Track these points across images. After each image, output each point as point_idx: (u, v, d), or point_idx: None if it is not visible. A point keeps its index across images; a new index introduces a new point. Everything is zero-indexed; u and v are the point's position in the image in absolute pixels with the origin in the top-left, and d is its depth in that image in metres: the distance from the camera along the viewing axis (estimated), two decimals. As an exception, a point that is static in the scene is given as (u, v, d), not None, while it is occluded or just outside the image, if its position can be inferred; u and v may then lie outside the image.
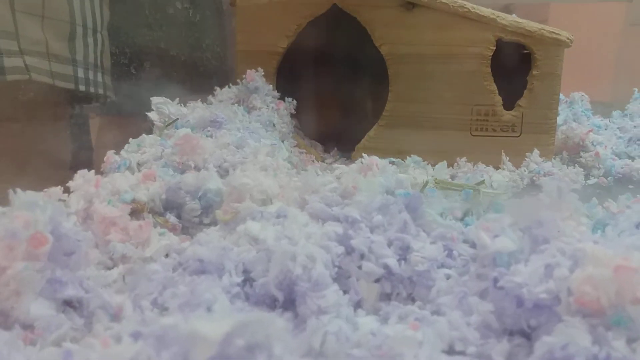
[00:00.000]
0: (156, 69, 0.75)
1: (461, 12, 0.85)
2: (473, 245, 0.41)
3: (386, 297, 0.39)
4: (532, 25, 0.85)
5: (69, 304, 0.37)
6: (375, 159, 0.52)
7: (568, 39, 0.85)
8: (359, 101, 1.08)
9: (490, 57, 0.86)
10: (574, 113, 1.07)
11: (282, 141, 0.81)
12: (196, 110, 0.68)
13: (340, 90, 1.06)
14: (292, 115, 0.91)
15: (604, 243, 0.34)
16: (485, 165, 0.84)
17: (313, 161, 0.87)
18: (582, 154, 0.93)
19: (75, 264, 0.36)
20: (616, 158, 0.92)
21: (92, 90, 0.73)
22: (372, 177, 0.48)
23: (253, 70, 0.87)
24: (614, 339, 0.27)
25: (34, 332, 0.32)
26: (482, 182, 0.49)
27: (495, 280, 0.33)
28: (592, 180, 0.85)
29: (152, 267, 0.40)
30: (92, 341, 0.27)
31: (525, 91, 0.87)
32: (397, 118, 0.90)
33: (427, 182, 0.49)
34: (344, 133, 0.98)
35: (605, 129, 1.05)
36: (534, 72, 0.86)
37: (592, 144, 0.94)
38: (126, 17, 0.71)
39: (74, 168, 0.47)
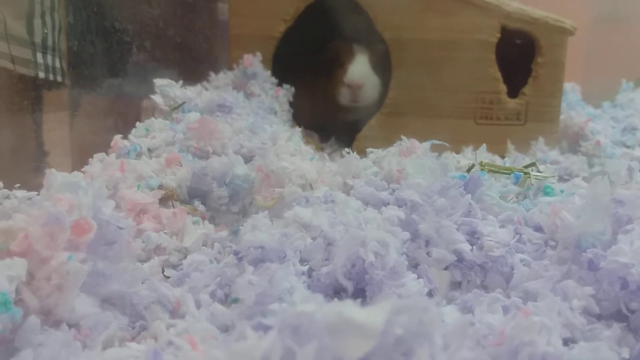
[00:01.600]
0: (144, 53, 0.69)
1: (467, -2, 0.83)
2: (538, 229, 0.39)
3: (456, 285, 0.36)
4: (537, 13, 0.84)
5: (108, 301, 0.32)
6: (415, 141, 0.49)
7: (572, 26, 0.85)
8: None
9: (495, 44, 0.85)
10: (568, 103, 1.08)
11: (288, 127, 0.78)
12: (203, 94, 0.63)
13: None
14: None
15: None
16: (491, 154, 0.83)
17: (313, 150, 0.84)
18: (581, 142, 0.93)
19: (116, 255, 0.32)
20: (615, 147, 0.93)
21: (50, 77, 0.63)
22: (420, 160, 0.45)
23: (251, 55, 0.83)
24: None
25: (81, 332, 0.28)
26: (533, 163, 0.47)
27: (591, 262, 0.31)
28: (597, 168, 0.85)
29: (196, 257, 0.36)
30: (175, 341, 0.23)
31: (529, 79, 0.86)
32: (400, 106, 0.87)
33: (472, 165, 0.47)
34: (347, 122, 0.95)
35: (600, 119, 1.06)
36: (539, 59, 0.85)
37: (592, 133, 0.94)
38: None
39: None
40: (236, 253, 0.34)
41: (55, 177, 0.30)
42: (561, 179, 0.74)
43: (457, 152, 0.83)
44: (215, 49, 0.90)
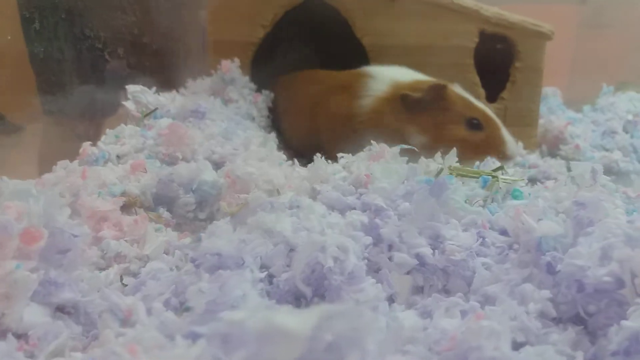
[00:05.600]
0: (121, 60, 0.68)
1: (445, 3, 0.83)
2: (503, 233, 0.39)
3: (418, 290, 0.36)
4: (515, 17, 0.85)
5: (61, 310, 0.31)
6: (385, 146, 0.49)
7: (550, 31, 0.85)
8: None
9: (473, 49, 0.85)
10: (549, 107, 1.08)
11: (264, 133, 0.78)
12: (176, 99, 0.63)
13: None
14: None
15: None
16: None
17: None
18: (561, 146, 0.93)
19: (70, 263, 0.31)
20: (595, 150, 0.93)
21: None
22: (387, 165, 0.45)
23: (229, 60, 0.83)
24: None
25: (29, 342, 0.27)
26: (500, 168, 0.47)
27: (549, 265, 0.31)
28: (575, 172, 0.85)
29: (155, 265, 0.36)
30: (114, 349, 0.22)
31: (507, 84, 0.86)
32: (380, 111, 0.87)
33: (441, 169, 0.47)
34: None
35: (580, 123, 1.07)
36: (517, 64, 0.86)
37: (571, 137, 0.95)
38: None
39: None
40: (193, 260, 0.33)
41: (6, 185, 0.29)
42: (540, 183, 0.75)
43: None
44: (196, 56, 0.90)
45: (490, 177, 0.46)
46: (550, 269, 0.31)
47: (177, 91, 0.73)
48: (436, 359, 0.25)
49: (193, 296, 0.28)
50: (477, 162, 0.51)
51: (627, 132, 1.01)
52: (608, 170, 0.88)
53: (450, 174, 0.47)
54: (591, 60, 1.79)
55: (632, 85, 1.45)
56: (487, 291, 0.32)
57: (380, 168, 0.44)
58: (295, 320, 0.17)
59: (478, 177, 0.46)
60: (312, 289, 0.32)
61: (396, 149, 0.49)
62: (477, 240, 0.37)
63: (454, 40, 0.85)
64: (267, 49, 0.88)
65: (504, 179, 0.46)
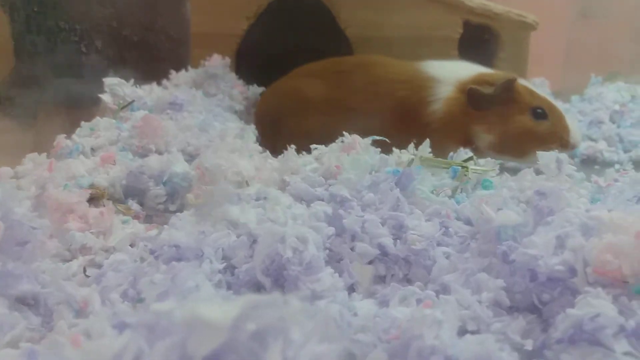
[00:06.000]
0: (105, 50, 0.68)
1: (428, -6, 0.83)
2: (468, 222, 0.39)
3: (380, 279, 0.36)
4: (499, 8, 0.85)
5: (22, 301, 0.32)
6: (357, 137, 0.49)
7: (534, 21, 0.85)
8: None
9: (457, 40, 0.85)
10: (535, 98, 1.08)
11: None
12: (154, 92, 0.63)
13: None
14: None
15: (620, 211, 0.33)
16: (454, 149, 0.83)
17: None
18: (546, 137, 0.93)
19: (29, 255, 0.31)
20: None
21: None
22: (356, 156, 0.45)
23: (219, 55, 0.83)
24: (639, 307, 0.25)
25: (-17, 334, 0.27)
26: (470, 158, 0.47)
27: (505, 254, 0.31)
28: (541, 162, 0.85)
29: (118, 257, 0.36)
30: (58, 339, 0.22)
31: (492, 74, 0.86)
32: (364, 103, 0.87)
33: (412, 159, 0.47)
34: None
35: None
36: (501, 54, 0.86)
37: (556, 128, 0.94)
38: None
39: None
40: (152, 252, 0.33)
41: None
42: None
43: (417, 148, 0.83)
44: (181, 48, 0.90)
45: (460, 167, 0.46)
46: (506, 258, 0.31)
47: (159, 84, 0.73)
48: (382, 348, 0.25)
49: (145, 288, 0.28)
50: (451, 153, 0.51)
51: (614, 122, 1.01)
52: (593, 160, 0.89)
53: (421, 164, 0.47)
54: (583, 51, 1.79)
55: (621, 76, 1.45)
56: (444, 280, 0.32)
57: (349, 159, 0.44)
58: (218, 311, 0.17)
59: (448, 168, 0.46)
60: (271, 280, 0.32)
61: (368, 140, 0.49)
62: (440, 229, 0.37)
63: (438, 31, 0.85)
64: (252, 41, 0.88)
65: (474, 169, 0.46)
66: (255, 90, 0.82)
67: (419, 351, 0.23)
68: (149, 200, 0.46)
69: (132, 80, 0.64)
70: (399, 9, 0.84)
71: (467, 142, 0.64)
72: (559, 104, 1.08)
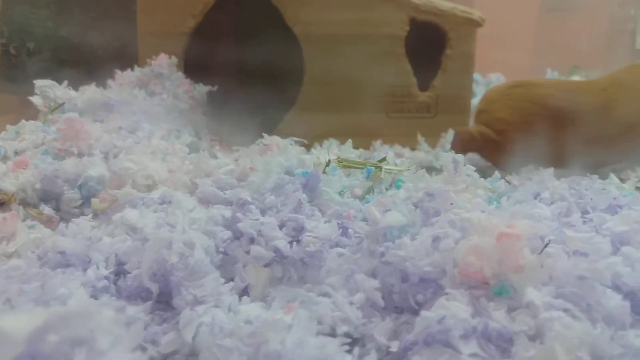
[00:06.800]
0: (39, 52, 0.68)
1: (374, -9, 0.83)
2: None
3: (278, 281, 0.36)
4: (445, 5, 0.85)
5: None
6: (276, 138, 0.49)
7: (480, 18, 0.86)
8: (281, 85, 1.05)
9: (404, 38, 0.85)
10: (490, 94, 1.09)
11: (190, 127, 0.77)
12: (86, 93, 0.62)
13: (260, 74, 1.02)
14: (208, 102, 0.87)
15: (493, 213, 0.33)
16: (402, 146, 0.83)
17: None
18: (496, 133, 0.94)
19: None
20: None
21: None
22: (271, 157, 0.45)
23: (166, 55, 0.82)
24: (494, 309, 0.26)
25: None
26: (384, 159, 0.47)
27: (382, 255, 0.31)
28: (441, 162, 0.86)
29: (14, 263, 0.35)
30: None
31: (439, 72, 0.87)
32: (313, 101, 0.87)
33: (329, 161, 0.47)
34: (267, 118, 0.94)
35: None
36: (447, 52, 0.86)
37: (506, 123, 0.95)
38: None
39: None
40: (40, 258, 0.33)
41: None
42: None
43: (368, 147, 0.84)
44: (130, 47, 0.89)
45: (374, 167, 0.46)
46: (383, 259, 0.31)
47: (98, 85, 0.73)
48: (239, 353, 0.25)
49: (15, 296, 0.28)
50: (375, 152, 0.51)
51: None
52: (541, 156, 0.90)
53: (339, 165, 0.47)
54: (551, 44, 1.80)
55: (582, 70, 1.47)
56: (328, 281, 0.32)
57: (262, 161, 0.44)
58: (17, 322, 0.17)
59: (363, 168, 0.47)
60: (158, 286, 0.33)
61: (288, 140, 0.49)
62: (338, 230, 0.37)
63: (385, 29, 0.85)
64: (199, 40, 0.87)
65: (388, 169, 0.46)
66: (201, 89, 0.82)
67: (266, 356, 0.23)
68: (64, 204, 0.46)
69: (65, 82, 0.63)
70: (346, 7, 0.84)
71: None
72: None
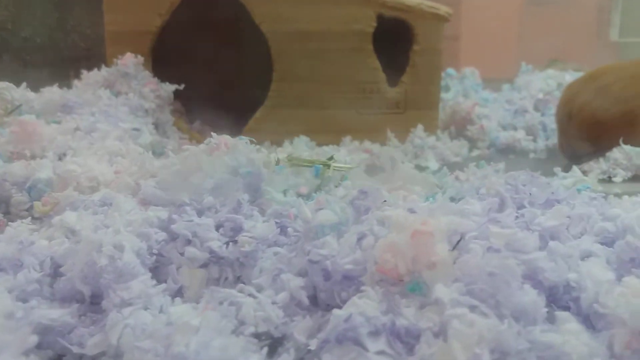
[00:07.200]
0: (6, 54, 0.67)
1: (340, -13, 0.83)
2: (312, 221, 0.39)
3: (215, 282, 0.36)
4: (412, 1, 0.85)
5: None
6: (226, 137, 0.49)
7: (447, 13, 0.86)
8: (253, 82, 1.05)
9: (372, 34, 0.85)
10: (464, 88, 1.09)
11: (156, 126, 0.77)
12: (44, 94, 0.62)
13: (232, 72, 1.02)
14: (181, 101, 0.87)
15: (422, 210, 0.33)
16: (372, 142, 0.83)
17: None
18: (468, 127, 0.95)
19: None
20: (502, 130, 0.94)
21: None
22: (216, 157, 0.45)
23: (132, 54, 0.82)
24: (406, 306, 0.26)
25: None
26: (332, 157, 0.47)
27: (308, 254, 0.31)
28: (475, 152, 0.87)
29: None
30: None
31: (407, 68, 0.87)
32: (282, 98, 0.87)
33: (278, 159, 0.47)
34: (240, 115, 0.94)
35: (495, 102, 1.08)
36: (415, 47, 0.86)
37: (478, 117, 0.96)
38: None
39: None
40: (-29, 264, 0.33)
41: None
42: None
43: (338, 143, 0.84)
44: (98, 47, 0.89)
45: (322, 166, 0.46)
46: (308, 258, 0.31)
47: (60, 86, 0.72)
48: (154, 354, 0.25)
49: None
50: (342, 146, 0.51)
51: (538, 111, 1.02)
52: (511, 149, 0.90)
53: (288, 164, 0.47)
54: (533, 38, 1.81)
55: (560, 63, 1.47)
56: (259, 281, 0.33)
57: (207, 161, 0.44)
58: None
59: (312, 166, 0.47)
60: (90, 288, 0.33)
61: (237, 140, 0.49)
62: (276, 230, 0.37)
63: (353, 25, 0.85)
64: (166, 38, 0.87)
65: (337, 167, 0.47)
66: (168, 88, 0.81)
67: (172, 357, 0.24)
68: (13, 207, 0.46)
69: (24, 84, 0.63)
70: (313, 3, 0.84)
71: None
72: (486, 94, 1.10)
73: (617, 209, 0.36)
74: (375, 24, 0.85)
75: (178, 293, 0.35)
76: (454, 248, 0.27)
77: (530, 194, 0.39)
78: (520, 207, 0.37)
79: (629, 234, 0.31)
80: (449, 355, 0.22)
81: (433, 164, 0.75)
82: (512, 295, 0.26)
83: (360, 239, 0.31)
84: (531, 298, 0.27)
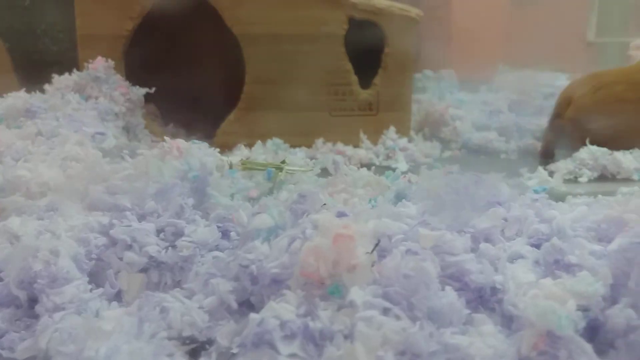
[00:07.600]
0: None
1: (311, -10, 0.83)
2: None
3: (155, 286, 0.36)
4: (382, 3, 0.85)
5: None
6: (179, 141, 0.49)
7: (417, 15, 0.86)
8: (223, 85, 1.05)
9: (343, 36, 0.85)
10: (440, 90, 1.10)
11: (127, 129, 0.77)
12: (7, 99, 0.62)
13: (204, 75, 1.02)
14: (157, 104, 0.87)
15: (360, 213, 0.34)
16: (344, 144, 0.83)
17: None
18: (442, 128, 0.95)
19: None
20: (475, 131, 0.95)
21: None
22: (169, 161, 0.45)
23: (103, 58, 0.82)
24: (323, 309, 0.26)
25: None
26: (284, 161, 0.47)
27: (238, 258, 0.32)
28: (447, 154, 0.87)
29: None
30: None
31: (379, 70, 0.87)
32: (255, 101, 0.87)
33: (231, 163, 0.47)
34: (213, 118, 0.94)
35: (471, 104, 1.09)
36: (386, 50, 0.86)
37: (452, 119, 0.96)
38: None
39: None
40: None
41: None
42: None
43: (311, 145, 0.84)
44: (72, 51, 0.89)
45: (274, 169, 0.46)
46: (237, 262, 0.31)
47: (32, 90, 0.72)
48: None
49: None
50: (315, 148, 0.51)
51: (512, 112, 1.03)
52: (483, 150, 0.90)
53: (242, 167, 0.47)
54: (517, 39, 1.82)
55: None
56: (186, 286, 0.33)
57: (156, 165, 0.44)
58: None
59: (265, 169, 0.47)
60: (26, 293, 0.33)
61: (190, 143, 0.49)
62: (218, 234, 0.38)
63: (324, 28, 0.85)
64: (138, 42, 0.87)
65: (290, 170, 0.47)
66: (139, 91, 0.81)
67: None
68: (-39, 214, 0.46)
69: (-13, 89, 0.63)
70: (284, 6, 0.84)
71: None
72: (461, 95, 1.11)
73: (554, 211, 0.37)
74: (346, 27, 0.85)
75: (117, 297, 0.35)
76: (372, 251, 0.27)
77: (471, 196, 0.39)
78: (460, 209, 0.38)
79: (557, 236, 0.32)
80: (353, 357, 0.23)
81: (403, 166, 0.76)
82: (428, 298, 0.26)
83: (291, 242, 0.31)
84: (449, 300, 0.27)
